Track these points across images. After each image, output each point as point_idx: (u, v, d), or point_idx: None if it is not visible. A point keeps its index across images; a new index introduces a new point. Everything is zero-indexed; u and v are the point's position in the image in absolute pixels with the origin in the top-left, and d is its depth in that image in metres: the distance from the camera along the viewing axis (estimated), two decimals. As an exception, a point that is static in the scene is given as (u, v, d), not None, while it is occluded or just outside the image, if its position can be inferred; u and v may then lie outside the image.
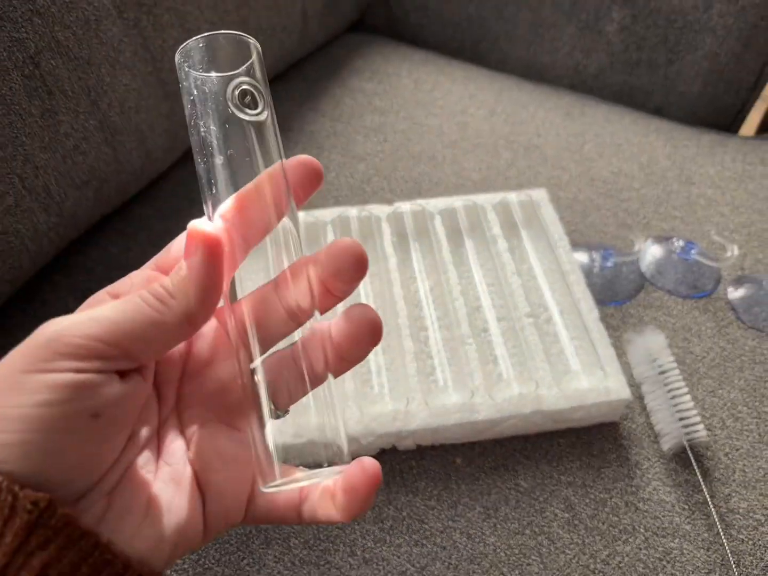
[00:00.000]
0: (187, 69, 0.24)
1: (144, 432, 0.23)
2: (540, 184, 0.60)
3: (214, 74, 0.24)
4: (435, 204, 0.54)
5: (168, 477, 0.23)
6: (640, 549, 0.40)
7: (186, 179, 0.62)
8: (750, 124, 0.84)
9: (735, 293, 0.53)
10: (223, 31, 0.24)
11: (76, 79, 0.46)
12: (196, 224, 0.22)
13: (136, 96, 0.52)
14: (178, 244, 0.25)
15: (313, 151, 0.64)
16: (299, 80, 0.73)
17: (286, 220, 0.24)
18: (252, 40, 0.25)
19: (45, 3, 0.44)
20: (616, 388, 0.43)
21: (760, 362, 0.48)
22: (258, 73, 0.24)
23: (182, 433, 0.24)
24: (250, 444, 0.23)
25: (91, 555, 0.19)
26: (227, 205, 0.23)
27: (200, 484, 0.23)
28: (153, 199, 0.60)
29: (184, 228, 0.22)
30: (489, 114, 0.69)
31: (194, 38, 0.24)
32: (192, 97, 0.24)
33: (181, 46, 0.24)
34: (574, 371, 0.44)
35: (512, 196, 0.54)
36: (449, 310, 0.47)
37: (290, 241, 0.24)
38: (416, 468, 0.43)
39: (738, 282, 0.53)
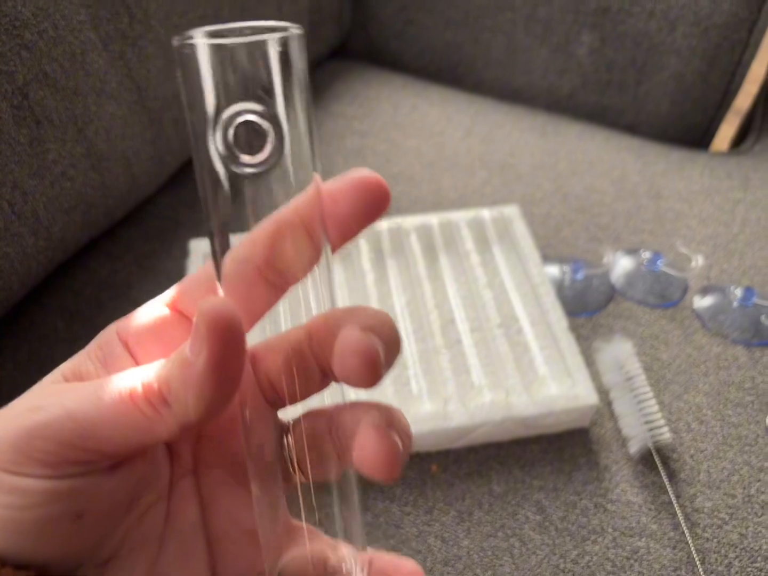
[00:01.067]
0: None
1: (149, 496, 0.20)
2: (514, 201, 0.63)
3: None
4: (411, 221, 0.56)
5: (175, 551, 0.21)
6: (609, 548, 0.42)
7: (172, 202, 0.64)
8: (723, 138, 0.87)
9: (701, 302, 0.55)
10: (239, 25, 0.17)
11: (63, 108, 0.49)
12: (211, 304, 0.17)
13: (121, 124, 0.54)
14: (194, 281, 0.21)
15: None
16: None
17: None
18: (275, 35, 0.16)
19: (32, 38, 0.46)
20: (584, 394, 0.45)
21: (724, 368, 0.50)
22: (277, 83, 0.17)
23: (198, 495, 0.22)
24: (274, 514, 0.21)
25: None
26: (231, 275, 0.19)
27: (212, 554, 0.21)
28: (139, 222, 0.62)
29: (170, 250, 0.21)
30: (465, 135, 0.71)
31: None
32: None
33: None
34: (543, 379, 0.46)
35: (485, 213, 0.57)
36: (424, 323, 0.49)
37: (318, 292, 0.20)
38: (393, 475, 0.45)
39: (704, 291, 0.55)
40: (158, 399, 0.17)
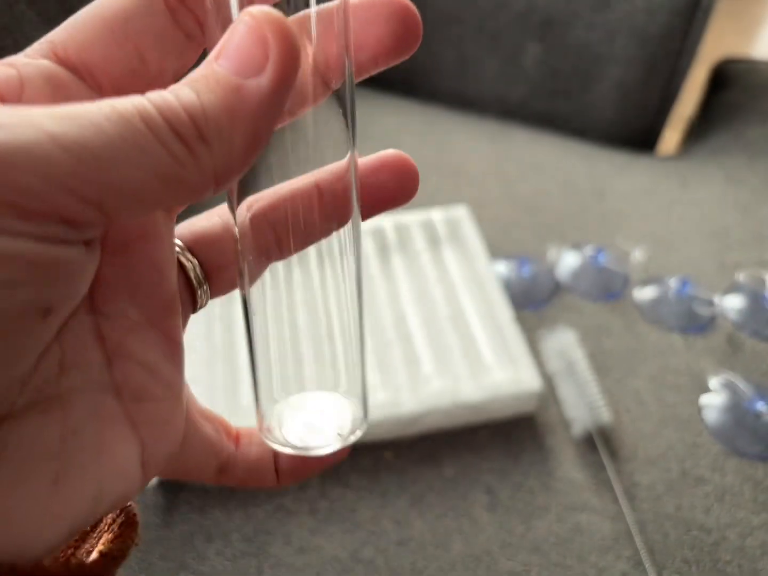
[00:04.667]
0: None
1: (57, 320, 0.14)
2: (465, 204, 0.65)
3: None
4: (365, 224, 0.58)
5: (86, 411, 0.15)
6: (553, 523, 0.44)
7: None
8: (669, 142, 0.92)
9: (641, 294, 0.58)
10: None
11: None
12: (268, 10, 0.13)
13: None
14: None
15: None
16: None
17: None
18: None
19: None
20: (528, 380, 0.47)
21: (662, 354, 0.53)
22: None
23: (99, 340, 0.16)
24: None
25: None
26: None
27: (131, 417, 0.17)
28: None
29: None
30: (419, 142, 0.74)
31: None
32: None
33: None
34: (489, 367, 0.49)
35: (436, 214, 0.59)
36: (377, 319, 0.52)
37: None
38: (348, 463, 0.47)
39: (643, 284, 0.59)
40: (190, 131, 0.12)
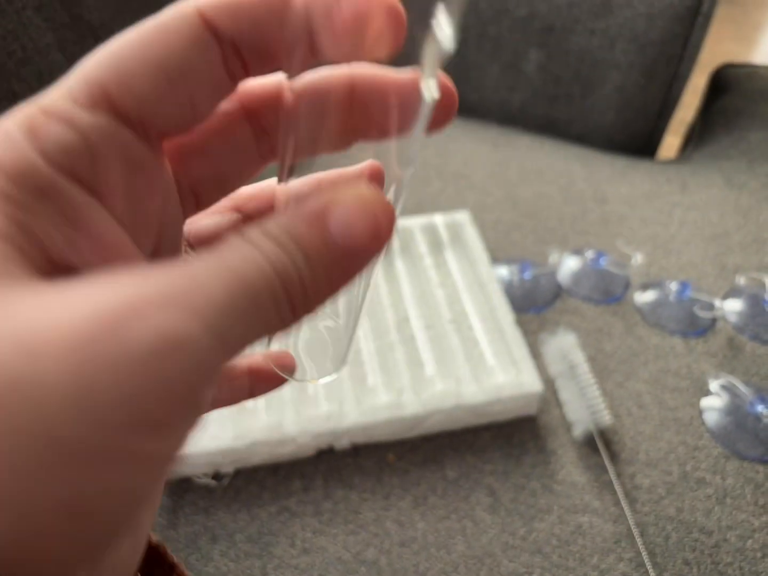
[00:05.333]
0: None
1: None
2: (467, 208, 0.66)
3: None
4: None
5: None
6: (555, 525, 0.44)
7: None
8: (670, 147, 0.92)
9: (641, 297, 0.58)
10: None
11: (31, 125, 0.51)
12: (378, 193, 0.14)
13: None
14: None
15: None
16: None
17: None
18: None
19: (2, 58, 0.48)
20: (530, 382, 0.48)
21: (662, 356, 0.54)
22: None
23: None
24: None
25: None
26: None
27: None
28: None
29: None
30: (422, 148, 0.75)
31: None
32: None
33: None
34: (491, 369, 0.49)
35: (438, 219, 0.60)
36: (380, 321, 0.52)
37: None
38: (352, 465, 0.47)
39: (644, 287, 0.59)
40: (300, 300, 0.14)
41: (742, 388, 0.50)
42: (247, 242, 0.13)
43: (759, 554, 0.43)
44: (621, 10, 0.72)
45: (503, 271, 0.59)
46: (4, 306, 0.11)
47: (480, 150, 0.75)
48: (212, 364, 0.12)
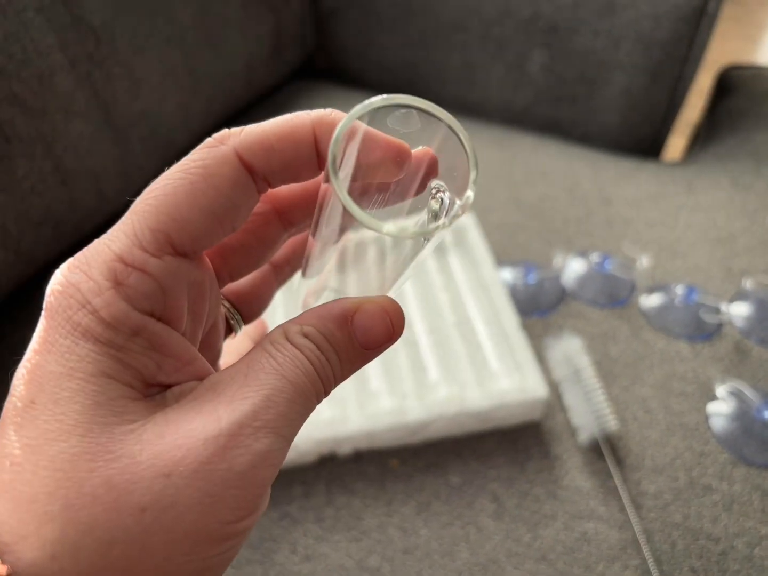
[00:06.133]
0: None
1: None
2: (470, 209, 0.65)
3: None
4: (371, 233, 0.58)
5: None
6: (560, 531, 0.44)
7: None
8: (675, 148, 0.92)
9: (647, 301, 0.58)
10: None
11: (32, 127, 0.51)
12: (393, 302, 0.20)
13: (89, 141, 0.56)
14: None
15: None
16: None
17: None
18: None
19: (2, 60, 0.48)
20: (534, 387, 0.47)
21: (668, 361, 0.53)
22: None
23: None
24: None
25: None
26: None
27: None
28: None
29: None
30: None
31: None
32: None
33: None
34: (495, 374, 0.49)
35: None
36: (383, 325, 0.52)
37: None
38: (355, 471, 0.47)
39: (650, 291, 0.58)
40: (331, 388, 0.19)
41: (749, 393, 0.49)
42: (295, 347, 0.18)
43: (767, 562, 0.42)
44: (625, 11, 0.72)
45: (507, 274, 0.59)
46: (134, 437, 0.16)
47: (484, 151, 0.74)
48: (282, 459, 0.17)
